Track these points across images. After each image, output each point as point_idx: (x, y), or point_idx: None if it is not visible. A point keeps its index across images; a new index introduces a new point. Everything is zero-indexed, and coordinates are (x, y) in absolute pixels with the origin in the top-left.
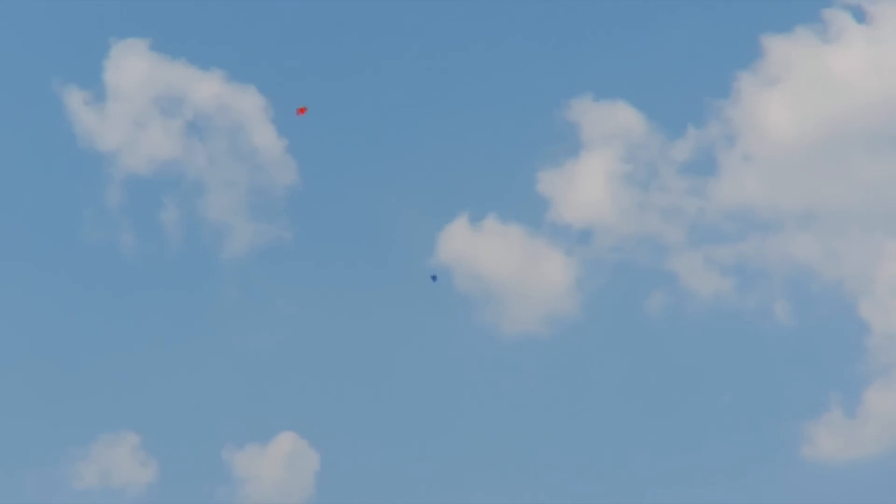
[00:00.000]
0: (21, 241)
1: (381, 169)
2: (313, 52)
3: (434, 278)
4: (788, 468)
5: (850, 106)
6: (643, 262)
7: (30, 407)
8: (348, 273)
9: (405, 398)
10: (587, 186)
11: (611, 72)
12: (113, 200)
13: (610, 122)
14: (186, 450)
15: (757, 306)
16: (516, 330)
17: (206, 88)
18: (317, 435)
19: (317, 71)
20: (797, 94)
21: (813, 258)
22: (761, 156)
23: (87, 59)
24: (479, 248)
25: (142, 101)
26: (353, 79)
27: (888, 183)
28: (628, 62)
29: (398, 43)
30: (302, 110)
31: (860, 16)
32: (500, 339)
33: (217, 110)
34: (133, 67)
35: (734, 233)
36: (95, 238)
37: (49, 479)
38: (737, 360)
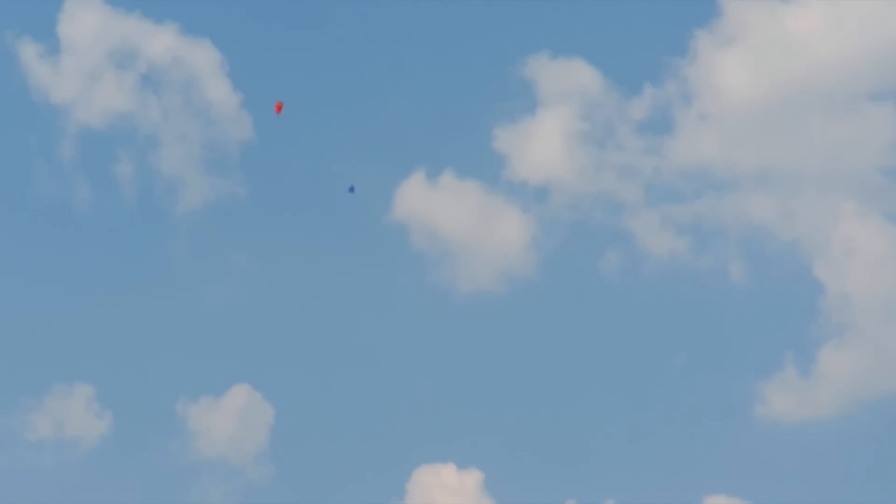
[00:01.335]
0: None
1: (337, 125)
2: (269, 6)
3: (351, 190)
4: (742, 427)
5: (808, 66)
6: (599, 220)
7: None
8: (303, 228)
9: (359, 353)
10: (544, 144)
11: (568, 29)
12: (67, 154)
13: (567, 80)
14: (141, 402)
15: (712, 266)
16: (471, 287)
17: (161, 42)
18: (271, 388)
19: (272, 25)
20: (754, 53)
21: (768, 218)
22: (718, 115)
23: (41, 11)
24: (436, 204)
25: (96, 55)
26: (308, 33)
27: (844, 144)
28: (585, 19)
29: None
30: (279, 106)
31: None
32: (456, 297)
33: (171, 64)
34: (87, 20)
35: (690, 192)
36: (49, 191)
37: (1, 430)
38: (692, 319)
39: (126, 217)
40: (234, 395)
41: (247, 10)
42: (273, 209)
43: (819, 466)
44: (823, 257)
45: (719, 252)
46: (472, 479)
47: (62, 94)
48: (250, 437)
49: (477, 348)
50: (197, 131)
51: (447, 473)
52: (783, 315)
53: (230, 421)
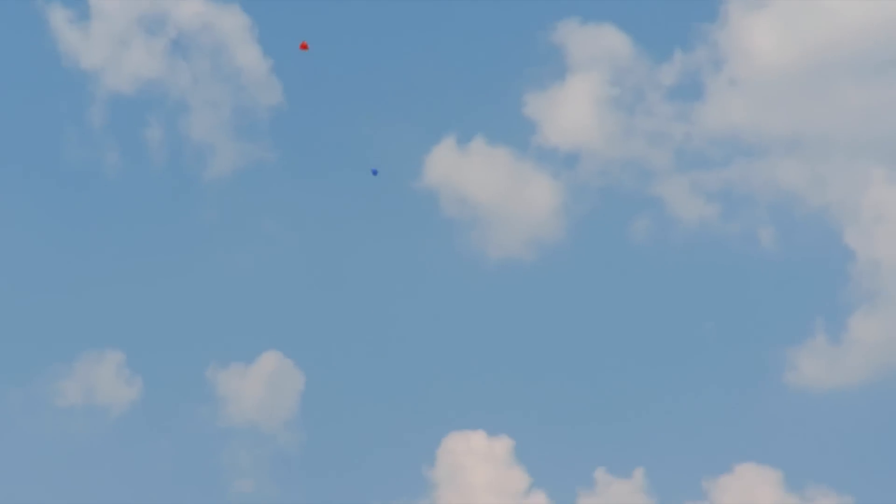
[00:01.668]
0: (3, 158)
1: (367, 90)
2: None
3: (375, 172)
4: (772, 394)
5: (838, 31)
6: (629, 186)
7: (12, 325)
8: (333, 194)
9: (390, 320)
10: (573, 110)
11: None
12: (96, 119)
13: (596, 46)
14: (170, 368)
15: (742, 232)
16: (501, 253)
17: (190, 7)
18: (302, 354)
19: None
20: (785, 18)
21: (798, 184)
22: (748, 81)
23: None
24: (466, 170)
25: (125, 20)
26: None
27: (875, 109)
28: None
29: None
30: (304, 45)
31: None
32: (485, 263)
33: (201, 29)
34: None
35: (720, 158)
36: (79, 157)
37: (31, 396)
38: (721, 286)
39: (155, 183)
40: (265, 362)
41: None
42: (303, 175)
43: (850, 433)
44: (853, 223)
45: (749, 218)
46: (503, 445)
47: (92, 59)
48: (280, 404)
49: (507, 314)
50: (226, 97)
51: (477, 440)
52: (813, 281)
53: (260, 387)
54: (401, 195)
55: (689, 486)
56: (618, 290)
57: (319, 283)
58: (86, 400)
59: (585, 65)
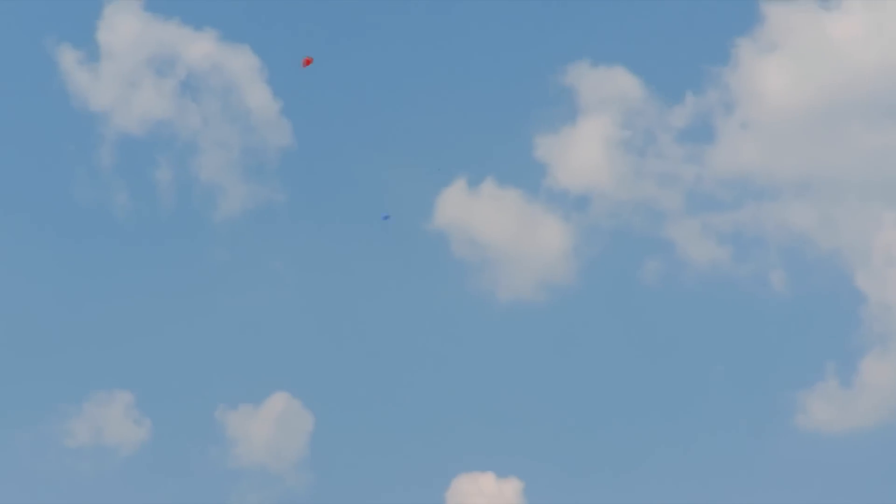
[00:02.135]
0: (14, 199)
1: (377, 132)
2: (308, 12)
3: (386, 217)
4: (783, 437)
5: (849, 74)
6: (640, 228)
7: (22, 365)
8: (343, 236)
9: (399, 361)
10: (584, 152)
11: (609, 36)
12: (106, 160)
13: (607, 88)
14: (180, 409)
15: (753, 275)
16: (511, 296)
17: (200, 48)
18: (310, 396)
19: (312, 31)
20: (796, 61)
21: (810, 227)
22: (759, 123)
23: (80, 18)
24: (476, 212)
25: (135, 61)
26: (348, 40)
27: (886, 152)
28: (626, 27)
29: (395, 4)
30: (307, 61)
31: None
32: (495, 305)
33: (210, 70)
34: (126, 27)
35: (731, 200)
36: (88, 197)
37: (41, 437)
38: (732, 328)
39: (165, 223)
40: (273, 403)
41: (286, 16)
42: (312, 216)
43: (860, 476)
44: (865, 266)
45: (760, 260)
46: (512, 487)
47: (101, 100)
48: (289, 445)
49: (517, 356)
50: (236, 138)
51: (486, 482)
52: (824, 324)
53: (269, 428)
54: (411, 236)
55: None
56: (628, 332)
57: (329, 325)
58: (95, 440)
59: (596, 107)
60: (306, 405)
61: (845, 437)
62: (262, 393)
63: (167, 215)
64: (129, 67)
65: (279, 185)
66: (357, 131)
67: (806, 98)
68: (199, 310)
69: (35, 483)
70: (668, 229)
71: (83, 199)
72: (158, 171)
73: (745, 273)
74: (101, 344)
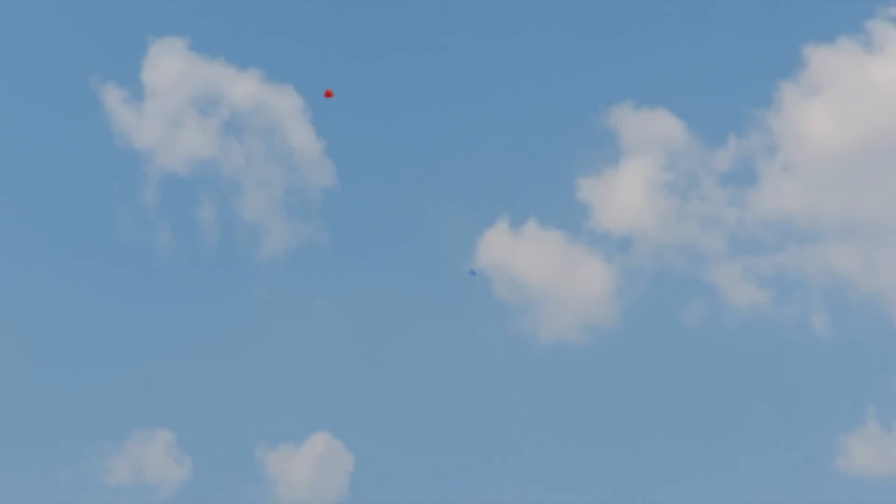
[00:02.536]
0: (57, 238)
1: (420, 172)
2: (352, 52)
3: (473, 273)
4: (823, 481)
5: (893, 117)
6: (682, 271)
7: (62, 402)
8: (385, 276)
9: (440, 402)
10: (627, 194)
11: (652, 79)
12: (149, 199)
13: (650, 130)
14: (220, 448)
15: (795, 318)
16: (553, 337)
17: (244, 88)
18: (351, 436)
19: (355, 72)
20: (839, 104)
21: (852, 270)
22: (802, 166)
23: (125, 57)
24: (518, 253)
25: (179, 100)
26: (392, 80)
27: None
28: (669, 70)
29: (439, 45)
30: (328, 93)
31: None
32: (537, 347)
33: (254, 110)
34: (171, 66)
35: (773, 243)
36: (131, 236)
37: (80, 475)
38: (773, 371)
39: (208, 262)
40: (314, 443)
41: (329, 56)
42: (355, 256)
43: None
44: None
45: (802, 304)
46: None
47: (145, 139)
48: (330, 485)
49: (558, 398)
50: (279, 177)
51: None
52: (866, 368)
53: (309, 468)
54: (453, 277)
55: None
56: (670, 374)
57: (370, 365)
58: (135, 479)
59: (639, 149)
60: (347, 445)
61: (886, 481)
62: (302, 432)
63: (210, 254)
64: (173, 107)
65: (322, 225)
66: (400, 172)
67: (849, 141)
68: (241, 349)
69: None
70: (710, 272)
71: (126, 237)
72: (201, 210)
73: (786, 316)
74: (143, 382)
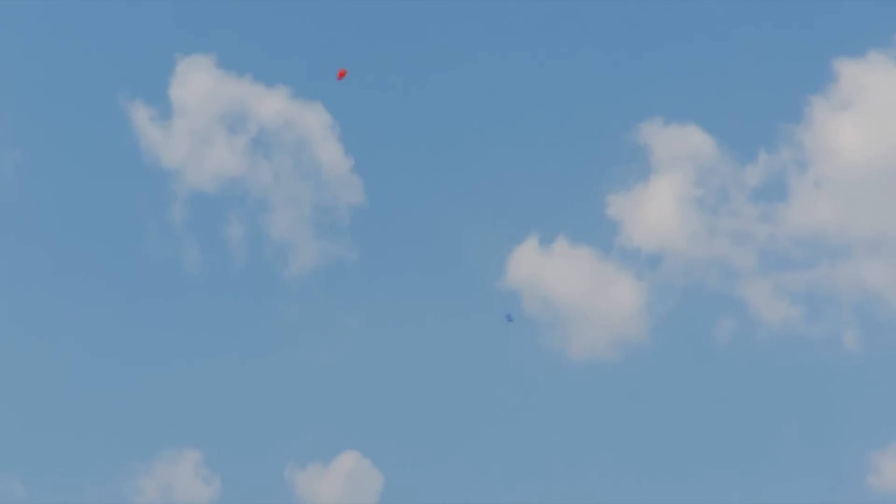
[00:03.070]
0: (86, 256)
1: (448, 189)
2: (380, 69)
3: (509, 318)
4: (856, 497)
5: None
6: (713, 287)
7: (92, 421)
8: (414, 293)
9: (470, 420)
10: (657, 210)
11: (681, 95)
12: (178, 217)
13: (680, 146)
14: (249, 467)
15: (826, 334)
16: (584, 354)
17: (272, 105)
18: (380, 455)
19: (384, 89)
20: (870, 118)
21: (883, 286)
22: (833, 181)
23: (153, 74)
24: (548, 270)
25: (207, 118)
26: (420, 97)
27: None
28: (699, 85)
29: (468, 62)
30: (342, 73)
31: None
32: (568, 363)
33: (282, 127)
34: (199, 83)
35: (804, 259)
36: (160, 254)
37: (110, 494)
38: (805, 387)
39: (236, 280)
40: (343, 462)
41: (358, 73)
42: (384, 274)
43: None
44: None
45: (833, 320)
46: None
47: (173, 157)
48: None
49: (589, 415)
50: (308, 195)
51: None
52: None
53: (338, 488)
54: (483, 294)
55: None
56: (701, 390)
57: (399, 383)
58: (164, 498)
59: (669, 165)
60: (376, 464)
61: None
62: (331, 451)
63: (238, 272)
64: (202, 124)
65: (350, 243)
66: (428, 189)
67: (880, 156)
68: (269, 367)
69: None
70: (741, 288)
71: (155, 254)
72: (230, 228)
73: (818, 332)
74: (171, 401)
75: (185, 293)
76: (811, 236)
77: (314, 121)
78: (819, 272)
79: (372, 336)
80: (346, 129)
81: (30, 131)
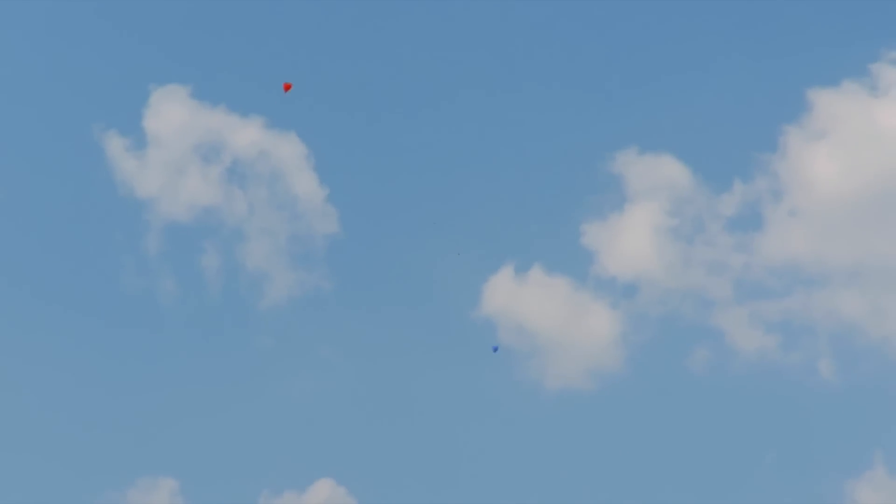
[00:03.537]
0: (61, 287)
1: (423, 219)
2: (355, 99)
3: (495, 349)
4: None
5: None
6: (688, 317)
7: (68, 451)
8: (389, 323)
9: (445, 450)
10: (632, 240)
11: (656, 124)
12: (152, 247)
13: (655, 176)
14: (224, 496)
15: (802, 363)
16: (559, 384)
17: (246, 135)
18: (355, 483)
19: (358, 118)
20: (844, 148)
21: (859, 315)
22: (808, 211)
23: (127, 105)
24: (524, 299)
25: (181, 148)
26: (395, 127)
27: None
28: (673, 115)
29: (441, 93)
30: (287, 86)
31: None
32: (543, 393)
33: (257, 157)
34: (173, 114)
35: (780, 289)
36: (135, 285)
37: None
38: (781, 416)
39: (211, 311)
40: (318, 490)
41: (332, 103)
42: (359, 304)
43: None
44: None
45: (809, 349)
46: None
47: (148, 187)
48: None
49: (566, 444)
50: (283, 225)
51: None
52: (873, 413)
53: None
54: (458, 324)
55: None
56: (677, 419)
57: (374, 412)
58: None
59: (644, 195)
60: (351, 492)
61: None
62: (306, 480)
63: (214, 302)
64: (176, 154)
65: (326, 273)
66: (404, 218)
67: (855, 185)
68: (244, 397)
69: None
70: (716, 317)
71: (130, 285)
72: (205, 258)
73: (793, 361)
74: (146, 430)
75: (160, 324)
76: (786, 265)
77: (289, 151)
78: (794, 301)
79: (347, 365)
80: (320, 160)
81: (4, 163)
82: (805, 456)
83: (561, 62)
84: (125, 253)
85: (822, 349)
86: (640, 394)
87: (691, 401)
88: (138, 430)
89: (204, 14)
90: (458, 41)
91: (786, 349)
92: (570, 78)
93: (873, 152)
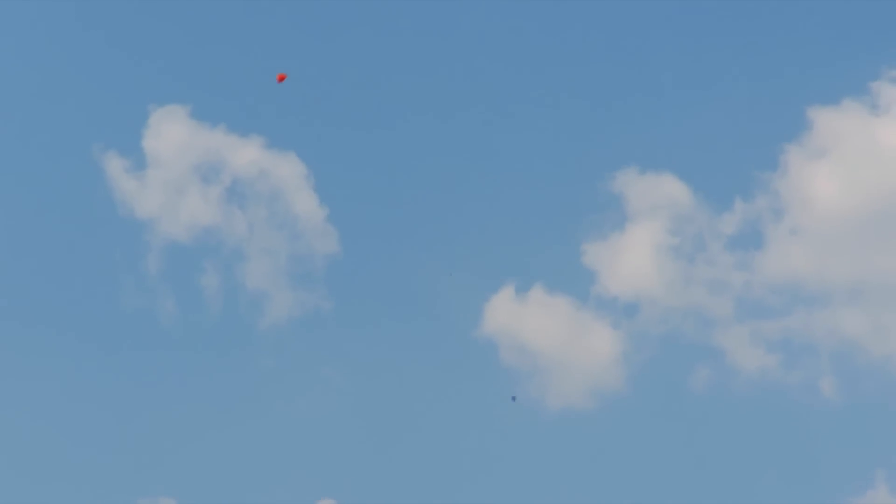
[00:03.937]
0: (61, 307)
1: (424, 238)
2: (354, 119)
3: (514, 399)
4: None
5: None
6: (689, 336)
7: (68, 471)
8: (390, 342)
9: (447, 469)
10: (633, 259)
11: (657, 144)
12: (152, 267)
13: (656, 195)
14: None
15: (803, 382)
16: (561, 403)
17: (246, 155)
18: (356, 502)
19: (358, 138)
20: (845, 166)
21: (860, 333)
22: (809, 229)
23: (126, 126)
24: (525, 319)
25: (181, 168)
26: (394, 147)
27: None
28: (674, 134)
29: (441, 113)
30: (281, 77)
31: None
32: (545, 412)
33: (257, 177)
34: (172, 134)
35: (781, 307)
36: (135, 305)
37: None
38: (782, 435)
39: (211, 330)
40: None
41: (332, 123)
42: (359, 323)
43: None
44: None
45: (810, 368)
46: None
47: (148, 208)
48: None
49: (566, 464)
50: (282, 245)
51: None
52: (875, 431)
53: None
54: (459, 344)
55: None
56: (679, 439)
57: (376, 432)
58: None
59: (645, 214)
60: None
61: None
62: (307, 500)
63: (214, 322)
64: (176, 174)
65: (326, 293)
66: (404, 238)
67: (855, 203)
68: (245, 417)
69: None
70: (717, 336)
71: (130, 305)
72: (205, 278)
73: (795, 380)
74: (147, 451)
75: (160, 344)
76: (787, 284)
77: (288, 171)
78: (796, 320)
79: (348, 385)
80: (320, 179)
81: (4, 182)
82: (807, 475)
83: (561, 82)
84: (125, 273)
85: (824, 367)
86: (641, 413)
87: (693, 420)
88: (138, 449)
89: (203, 35)
90: (458, 60)
91: (787, 368)
92: (570, 98)
93: (874, 170)
